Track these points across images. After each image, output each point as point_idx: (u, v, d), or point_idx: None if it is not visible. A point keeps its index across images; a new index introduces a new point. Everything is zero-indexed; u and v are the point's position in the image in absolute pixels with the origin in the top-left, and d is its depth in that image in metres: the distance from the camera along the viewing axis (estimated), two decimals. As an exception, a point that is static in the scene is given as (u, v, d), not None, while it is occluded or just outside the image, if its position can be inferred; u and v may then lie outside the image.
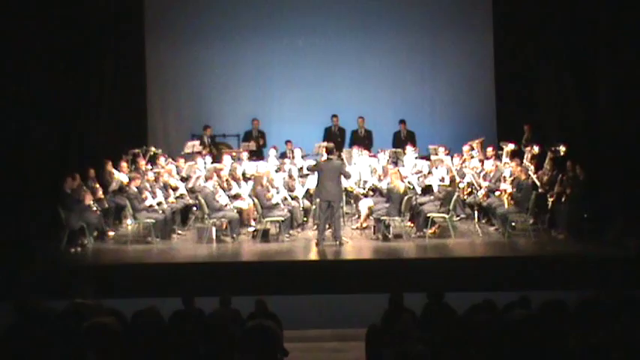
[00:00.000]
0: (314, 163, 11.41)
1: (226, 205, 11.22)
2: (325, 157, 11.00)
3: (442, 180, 11.60)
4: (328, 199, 10.63)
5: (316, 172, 10.99)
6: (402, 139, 14.05)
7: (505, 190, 11.11)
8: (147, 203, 11.21)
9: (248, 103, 14.92)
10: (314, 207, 11.81)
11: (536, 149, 12.05)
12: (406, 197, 10.91)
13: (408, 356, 5.49)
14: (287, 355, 6.80)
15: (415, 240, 11.04)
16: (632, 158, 11.38)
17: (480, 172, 12.00)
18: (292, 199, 11.70)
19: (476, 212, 11.86)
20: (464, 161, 12.43)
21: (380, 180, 11.85)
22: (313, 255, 10.53)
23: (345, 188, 11.68)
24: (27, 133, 11.63)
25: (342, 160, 12.10)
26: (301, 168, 12.34)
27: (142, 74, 14.70)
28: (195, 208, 12.10)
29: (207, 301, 7.32)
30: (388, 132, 14.35)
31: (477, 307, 6.82)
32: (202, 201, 11.09)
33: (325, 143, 13.07)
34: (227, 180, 11.72)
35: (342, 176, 10.90)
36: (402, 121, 14.27)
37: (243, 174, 12.25)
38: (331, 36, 14.86)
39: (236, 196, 11.66)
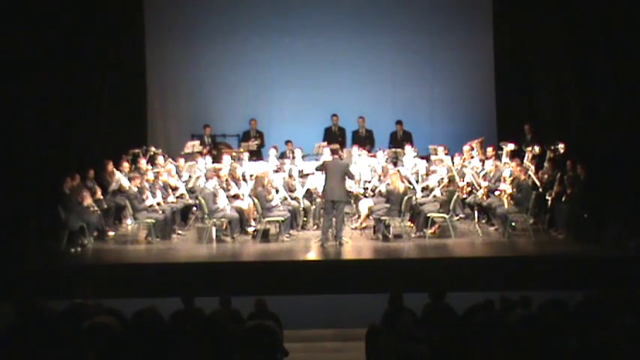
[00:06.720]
0: (320, 163, 11.38)
1: (226, 205, 11.22)
2: (330, 157, 11.01)
3: (441, 181, 11.57)
4: (333, 198, 10.63)
5: (322, 172, 11.00)
6: (398, 140, 14.04)
7: (505, 190, 11.10)
8: (147, 203, 11.21)
9: (248, 103, 14.89)
10: (314, 207, 11.82)
11: (536, 149, 12.04)
12: (406, 197, 10.91)
13: (408, 356, 5.50)
14: (287, 355, 6.81)
15: (415, 240, 11.04)
16: (632, 158, 11.36)
17: (480, 172, 12.00)
18: (292, 199, 11.70)
19: (476, 212, 11.84)
20: (464, 161, 12.42)
21: (380, 181, 11.83)
22: (313, 255, 10.52)
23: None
24: (27, 133, 11.62)
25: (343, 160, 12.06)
26: (301, 170, 12.31)
27: (142, 74, 14.68)
28: (195, 208, 12.10)
29: (207, 301, 7.33)
30: (388, 132, 14.34)
31: (476, 307, 6.83)
32: (202, 201, 11.09)
33: (325, 143, 13.09)
34: (227, 180, 11.71)
35: (347, 177, 10.91)
36: (399, 122, 14.25)
37: (243, 174, 12.23)
38: (331, 36, 14.82)
39: (236, 196, 11.66)
